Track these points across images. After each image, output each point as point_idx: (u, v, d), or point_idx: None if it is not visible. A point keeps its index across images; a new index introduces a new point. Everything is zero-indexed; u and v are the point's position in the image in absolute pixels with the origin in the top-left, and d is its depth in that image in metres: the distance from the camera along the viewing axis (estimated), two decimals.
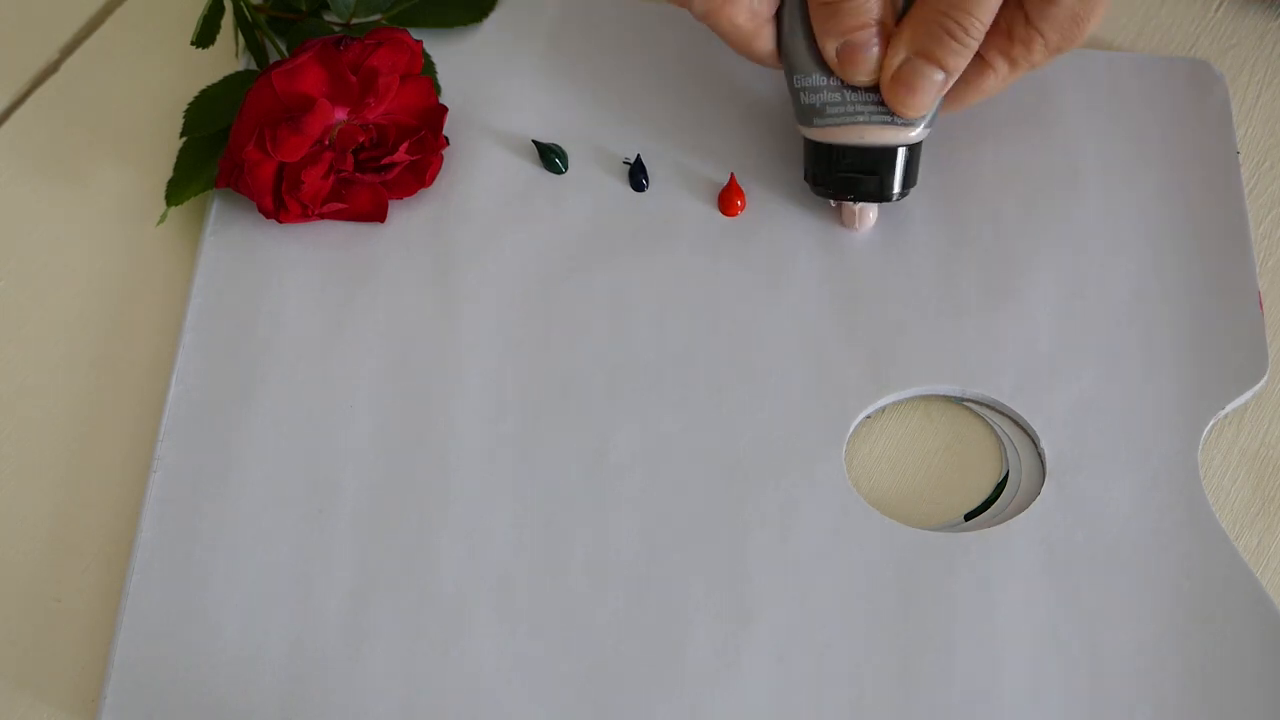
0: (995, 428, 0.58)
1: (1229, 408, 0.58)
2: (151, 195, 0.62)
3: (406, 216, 0.61)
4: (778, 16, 0.58)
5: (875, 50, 0.56)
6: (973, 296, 0.60)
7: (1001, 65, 0.58)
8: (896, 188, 0.59)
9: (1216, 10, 0.69)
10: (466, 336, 0.58)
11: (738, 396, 0.57)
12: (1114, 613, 0.54)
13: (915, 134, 0.58)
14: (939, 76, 0.56)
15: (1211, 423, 0.58)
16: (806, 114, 0.58)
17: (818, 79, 0.58)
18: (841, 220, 0.61)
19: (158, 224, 0.61)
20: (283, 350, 0.58)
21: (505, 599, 0.53)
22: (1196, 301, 0.60)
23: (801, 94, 0.58)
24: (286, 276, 0.59)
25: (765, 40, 0.58)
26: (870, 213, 0.61)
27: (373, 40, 0.58)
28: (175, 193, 0.60)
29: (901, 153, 0.59)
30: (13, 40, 0.66)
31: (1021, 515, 0.56)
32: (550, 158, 0.62)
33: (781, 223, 0.61)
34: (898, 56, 0.56)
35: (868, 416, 0.58)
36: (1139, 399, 0.58)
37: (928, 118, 0.58)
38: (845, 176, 0.59)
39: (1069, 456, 0.57)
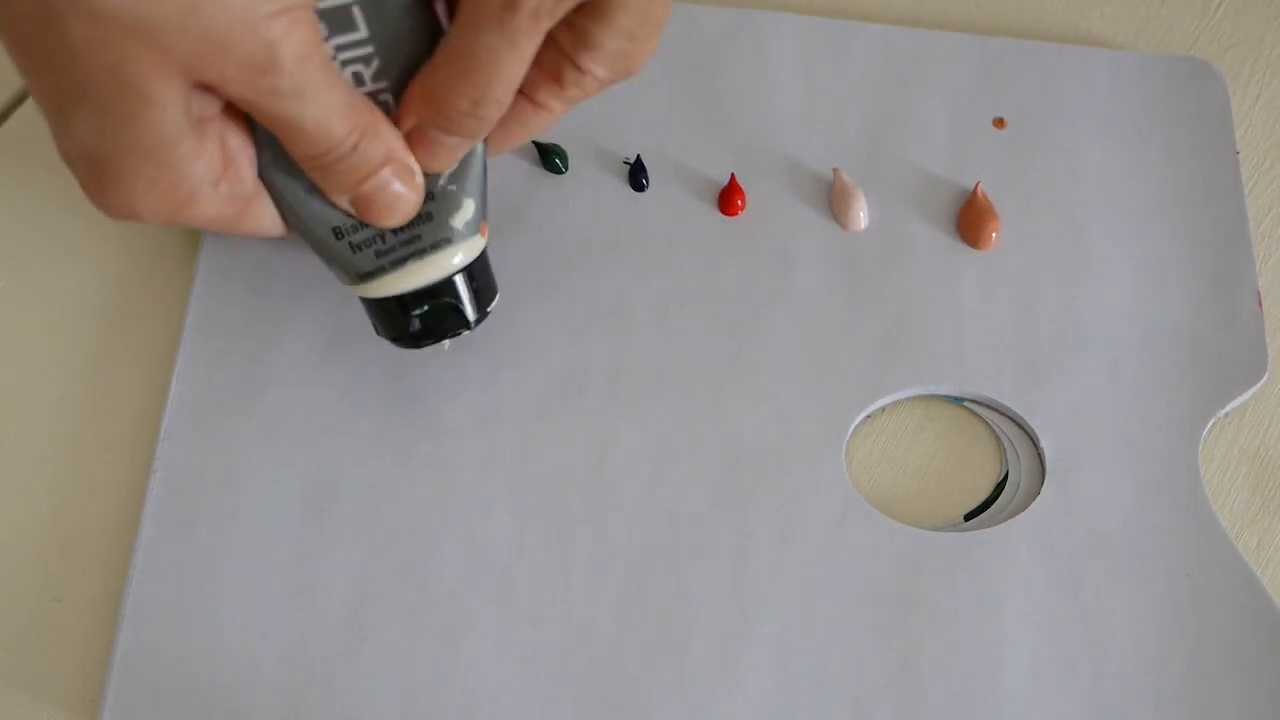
0: (995, 428, 0.58)
1: (1229, 407, 0.58)
2: None
3: None
4: (265, 180, 0.48)
5: (397, 186, 0.47)
6: (972, 296, 0.60)
7: (556, 105, 0.50)
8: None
9: (1217, 10, 0.69)
10: (467, 335, 0.58)
11: (737, 396, 0.57)
12: (1114, 613, 0.54)
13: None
14: (454, 142, 0.48)
15: (1211, 422, 0.58)
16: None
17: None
18: (839, 220, 0.61)
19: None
20: (283, 350, 0.58)
21: (505, 599, 0.53)
22: (1196, 301, 0.60)
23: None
24: (286, 277, 0.59)
25: (260, 216, 0.48)
26: (862, 213, 0.61)
27: None
28: None
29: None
30: None
31: (1021, 515, 0.56)
32: (550, 158, 0.62)
33: (782, 222, 0.61)
34: (408, 123, 0.47)
35: (868, 416, 0.58)
36: (1139, 398, 0.58)
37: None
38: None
39: (1069, 456, 0.57)
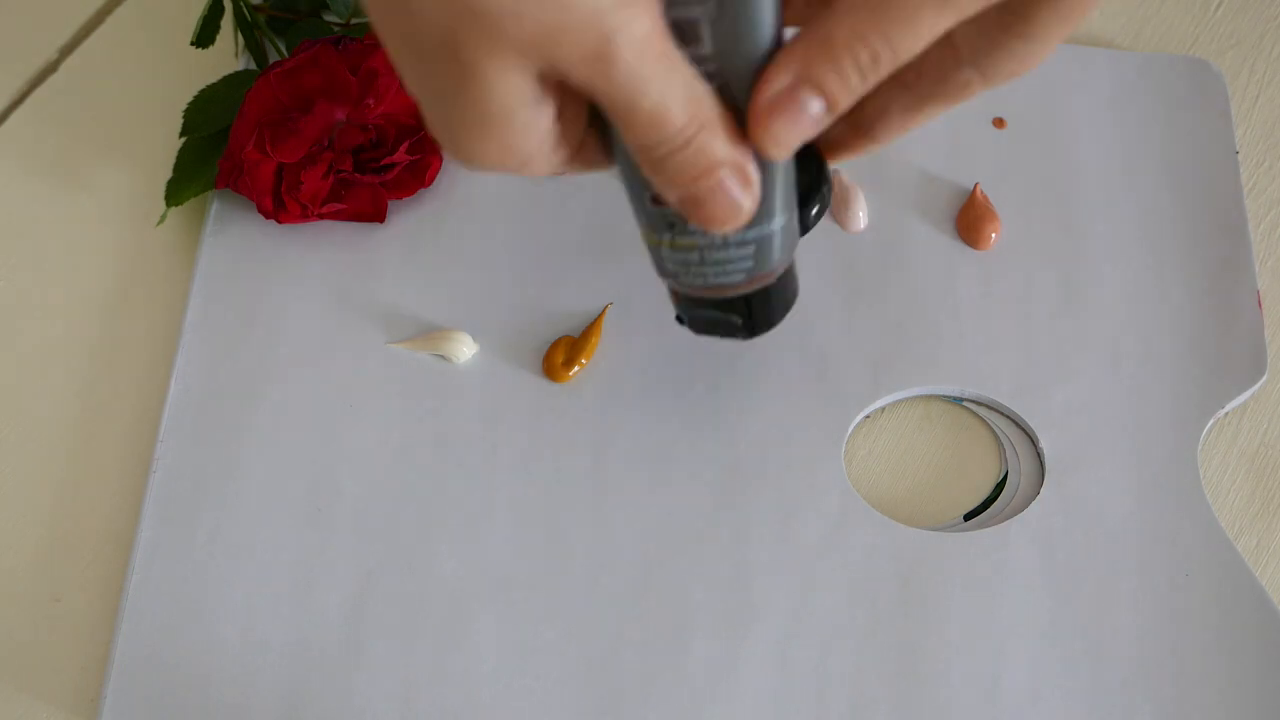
0: (994, 428, 0.58)
1: (1228, 407, 0.58)
2: (151, 195, 0.62)
3: (406, 217, 0.61)
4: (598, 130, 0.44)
5: (732, 190, 0.42)
6: (972, 296, 0.60)
7: (928, 104, 0.45)
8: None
9: (1216, 10, 0.69)
10: (466, 335, 0.58)
11: (737, 396, 0.57)
12: (1113, 612, 0.54)
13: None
14: (818, 110, 0.41)
15: (1210, 422, 0.58)
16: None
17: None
18: (838, 221, 0.61)
19: (158, 224, 0.61)
20: (282, 350, 0.58)
21: (505, 599, 0.53)
22: (1196, 301, 0.60)
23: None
24: (286, 277, 0.59)
25: (591, 162, 0.45)
26: (861, 213, 0.61)
27: (372, 40, 0.58)
28: (175, 193, 0.60)
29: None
30: (13, 40, 0.66)
31: (1021, 515, 0.56)
32: None
33: None
34: (778, 80, 0.41)
35: (867, 416, 0.58)
36: (1138, 399, 0.58)
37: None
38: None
39: (1068, 456, 0.57)
